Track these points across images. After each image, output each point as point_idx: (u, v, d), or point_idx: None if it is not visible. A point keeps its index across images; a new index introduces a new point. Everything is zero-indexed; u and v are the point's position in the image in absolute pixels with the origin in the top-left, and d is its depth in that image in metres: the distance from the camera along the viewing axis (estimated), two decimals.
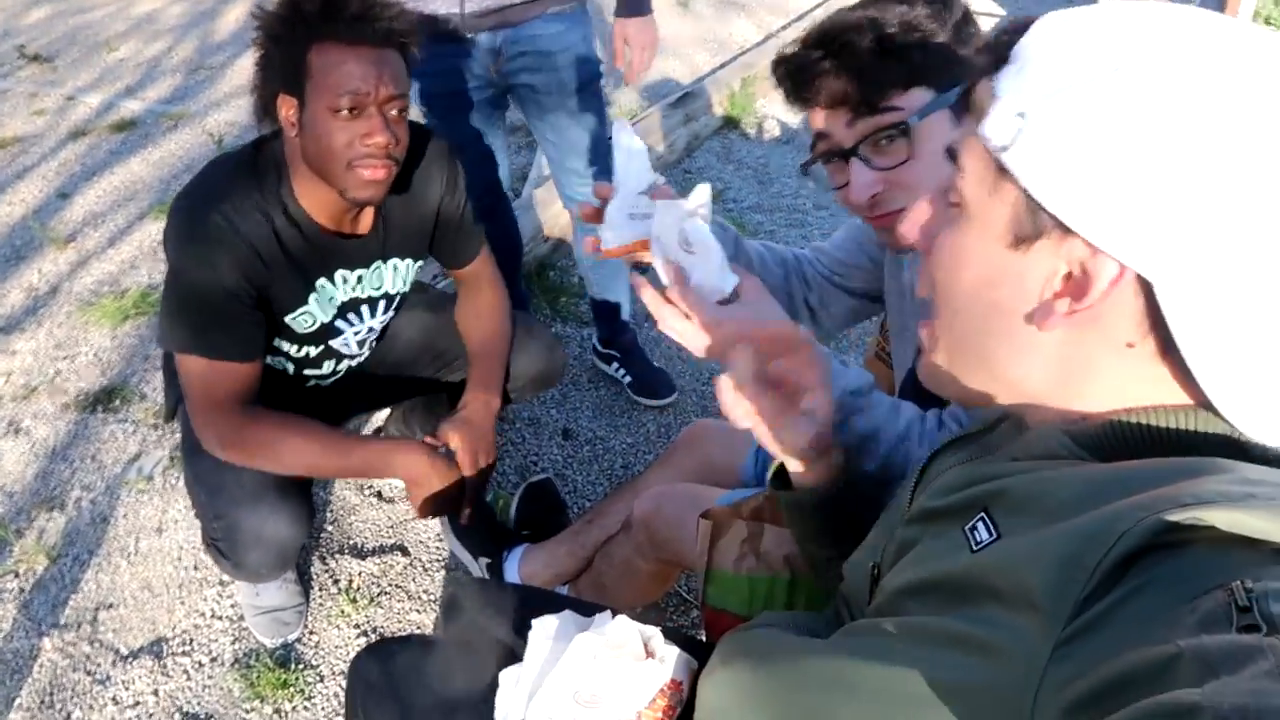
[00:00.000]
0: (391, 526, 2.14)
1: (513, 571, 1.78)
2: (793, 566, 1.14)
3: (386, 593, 1.97)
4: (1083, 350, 0.61)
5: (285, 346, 1.62)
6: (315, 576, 2.01)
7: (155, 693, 1.78)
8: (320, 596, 1.97)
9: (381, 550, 2.08)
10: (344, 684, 1.78)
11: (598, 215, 1.15)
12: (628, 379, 2.53)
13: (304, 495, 1.60)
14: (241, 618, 1.91)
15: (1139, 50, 0.56)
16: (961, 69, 1.03)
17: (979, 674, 0.54)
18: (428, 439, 1.60)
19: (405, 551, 2.07)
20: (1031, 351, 0.63)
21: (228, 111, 4.44)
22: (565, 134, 2.08)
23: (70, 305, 2.99)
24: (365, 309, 1.67)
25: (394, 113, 1.39)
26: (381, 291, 1.68)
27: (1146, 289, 0.56)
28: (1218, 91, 0.54)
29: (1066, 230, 0.57)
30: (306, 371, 1.70)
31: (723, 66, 4.63)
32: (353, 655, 1.83)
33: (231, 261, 1.41)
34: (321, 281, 1.56)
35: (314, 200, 1.48)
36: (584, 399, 2.53)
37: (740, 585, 1.17)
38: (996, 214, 0.61)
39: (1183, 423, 0.59)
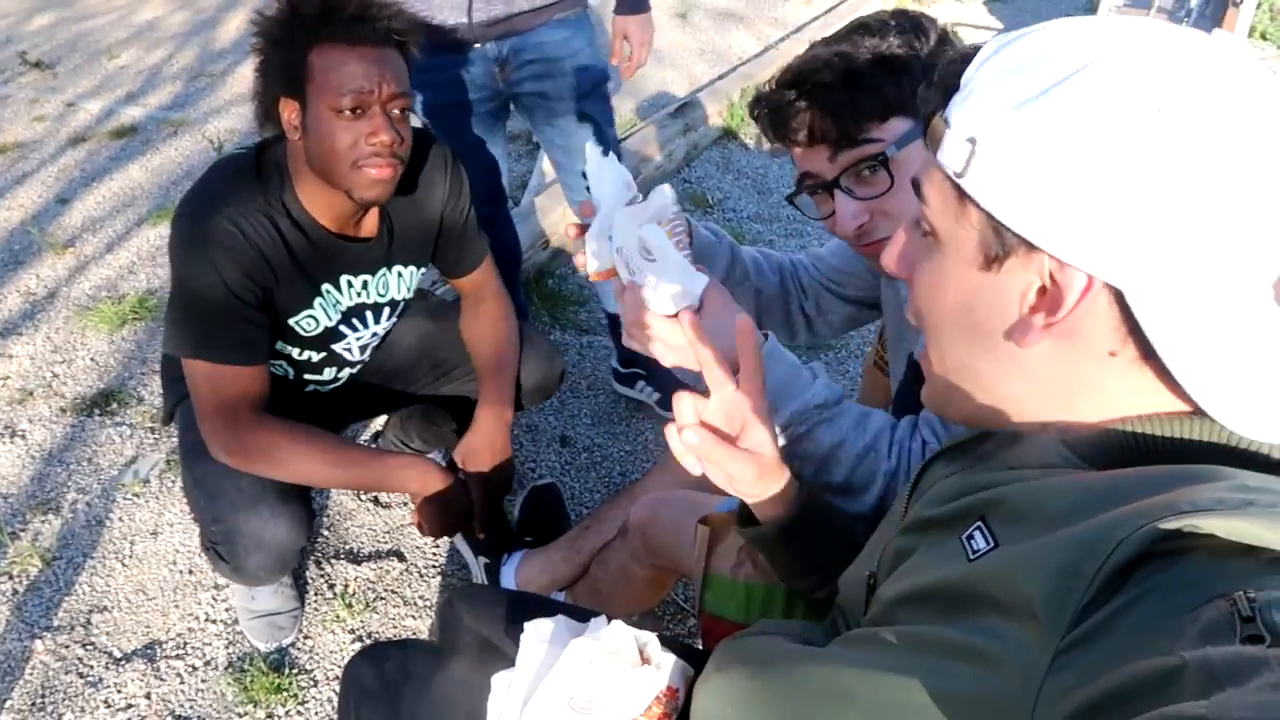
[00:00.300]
0: (388, 532, 2.13)
1: (509, 577, 1.78)
2: None
3: (382, 598, 1.97)
4: (1068, 363, 0.61)
5: (287, 350, 1.61)
6: (311, 581, 2.00)
7: (148, 696, 1.77)
8: (315, 601, 1.96)
9: (377, 555, 2.07)
10: (338, 689, 1.78)
11: (584, 233, 1.15)
12: (656, 396, 2.46)
13: (304, 499, 1.60)
14: (236, 622, 1.90)
15: (1081, 63, 0.56)
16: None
17: (977, 683, 0.54)
18: (455, 456, 1.61)
19: (401, 557, 2.06)
20: (1018, 369, 0.63)
21: (228, 118, 4.45)
22: (573, 139, 2.08)
23: (68, 310, 2.99)
24: (370, 315, 1.67)
25: (397, 111, 1.39)
26: (388, 298, 1.68)
27: (1119, 297, 0.57)
28: (1163, 95, 0.54)
29: (1032, 247, 0.58)
30: (306, 376, 1.70)
31: (721, 77, 4.65)
32: (346, 660, 1.83)
33: (237, 265, 1.41)
34: (326, 286, 1.56)
35: (318, 203, 1.48)
36: (582, 406, 2.53)
37: (738, 592, 1.17)
38: (965, 238, 0.63)
39: (1178, 430, 0.59)
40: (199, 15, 6.06)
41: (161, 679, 1.80)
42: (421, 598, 1.97)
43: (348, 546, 2.09)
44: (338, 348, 1.67)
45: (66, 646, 1.87)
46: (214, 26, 5.81)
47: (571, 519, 2.08)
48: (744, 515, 1.00)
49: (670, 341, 1.00)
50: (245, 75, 4.77)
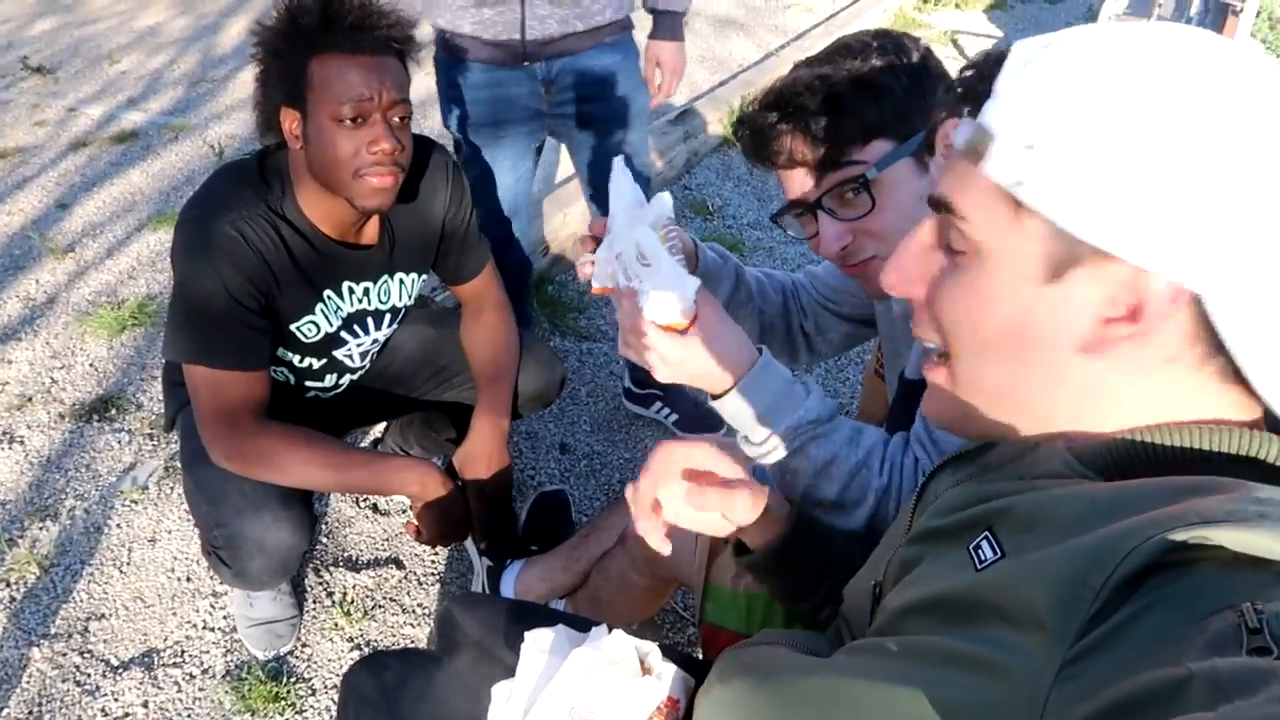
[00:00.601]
0: (387, 539, 2.13)
1: (509, 584, 1.77)
2: None
3: (381, 606, 1.96)
4: (1129, 372, 0.60)
5: (288, 356, 1.61)
6: (309, 589, 2.00)
7: (145, 704, 1.77)
8: (314, 609, 1.95)
9: (376, 563, 2.06)
10: (336, 697, 1.77)
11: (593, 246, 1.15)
12: (673, 418, 2.43)
13: (306, 503, 1.59)
14: (234, 629, 1.89)
15: (1148, 66, 0.55)
16: (920, 116, 1.05)
17: (983, 693, 0.53)
18: (454, 462, 1.61)
19: (400, 565, 2.06)
20: (1070, 380, 0.61)
21: (229, 124, 4.45)
22: (608, 164, 2.05)
23: (68, 315, 2.99)
24: (371, 321, 1.67)
25: (398, 119, 1.39)
26: (389, 305, 1.68)
27: (1194, 302, 0.55)
28: (1237, 97, 0.54)
29: (1105, 255, 0.56)
30: (307, 383, 1.70)
31: (722, 84, 4.65)
32: (345, 668, 1.82)
33: (239, 271, 1.41)
34: (328, 292, 1.56)
35: (320, 211, 1.48)
36: (581, 413, 2.53)
37: (738, 602, 1.16)
38: (1022, 251, 0.59)
39: (1190, 440, 0.59)
40: (201, 20, 6.07)
41: (159, 687, 1.80)
42: (420, 605, 1.96)
43: (346, 554, 2.08)
44: (338, 354, 1.67)
45: (64, 654, 1.86)
46: (215, 32, 5.82)
47: (575, 525, 2.07)
48: (739, 543, 0.99)
49: (666, 355, 0.99)
50: (247, 81, 4.78)
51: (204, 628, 1.92)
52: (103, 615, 1.94)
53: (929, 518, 0.73)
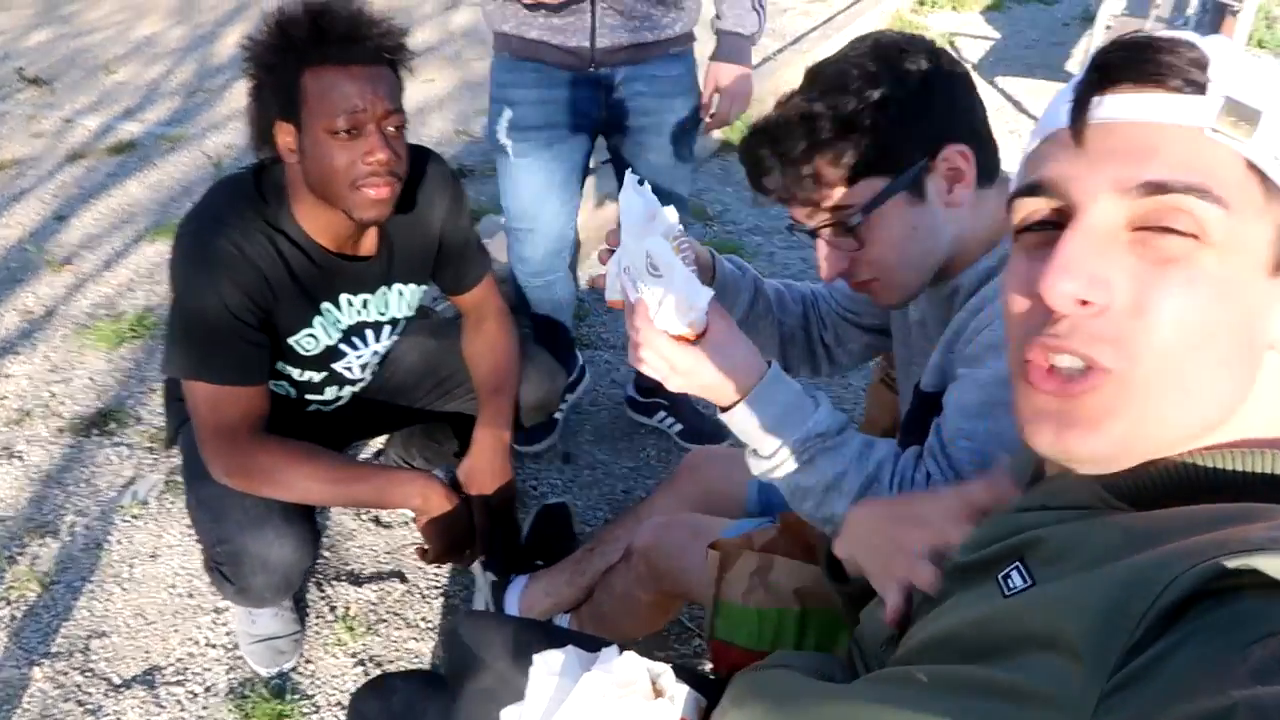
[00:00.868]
0: (389, 552, 2.11)
1: (513, 599, 1.75)
2: (803, 599, 1.12)
3: (384, 620, 1.94)
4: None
5: (288, 370, 1.60)
6: (312, 604, 1.98)
7: None
8: (317, 624, 1.94)
9: (379, 577, 2.05)
10: (340, 715, 1.76)
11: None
12: (677, 428, 2.41)
13: (309, 519, 1.58)
14: (236, 646, 1.88)
15: None
16: (913, 144, 1.03)
17: None
18: (456, 473, 1.59)
19: (403, 578, 2.04)
20: (1252, 379, 0.58)
21: (226, 134, 4.43)
22: (661, 175, 2.01)
23: (66, 328, 2.97)
24: (370, 333, 1.66)
25: (392, 129, 1.39)
26: (388, 316, 1.66)
27: None
28: None
29: None
30: (308, 396, 1.69)
31: None
32: (349, 685, 1.81)
33: (238, 286, 1.40)
34: (327, 305, 1.55)
35: (317, 223, 1.47)
36: (583, 423, 2.51)
37: (749, 618, 1.15)
38: (1256, 238, 0.56)
39: (1225, 463, 0.58)
40: (197, 30, 6.06)
41: (161, 706, 1.78)
42: (424, 620, 1.94)
43: (349, 568, 2.07)
44: (338, 367, 1.66)
45: (65, 673, 1.84)
46: (211, 42, 5.81)
47: (577, 537, 2.06)
48: (835, 570, 0.96)
49: (676, 364, 0.98)
50: (243, 91, 4.76)
51: (206, 644, 1.90)
52: (104, 633, 1.93)
53: (959, 554, 0.72)
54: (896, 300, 1.15)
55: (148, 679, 1.83)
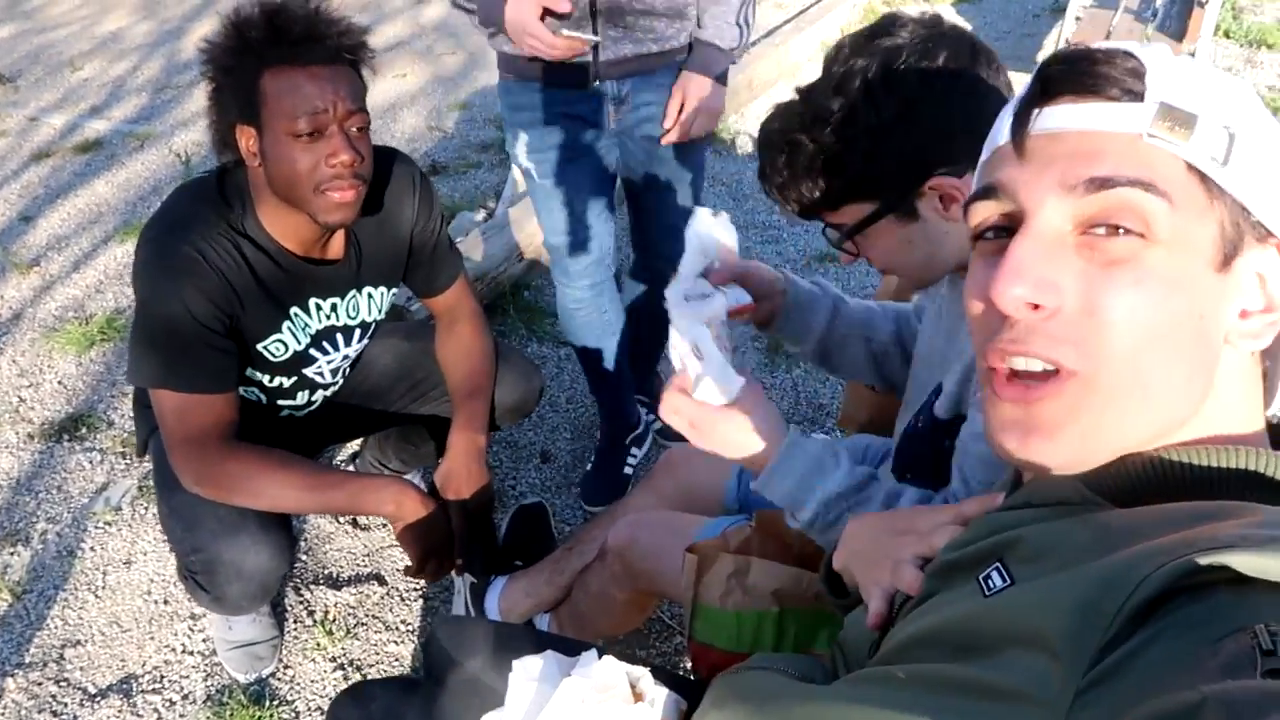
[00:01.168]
0: (368, 555, 2.10)
1: (493, 600, 1.75)
2: (781, 600, 1.12)
3: (364, 624, 1.93)
4: (1253, 366, 0.62)
5: (258, 376, 1.58)
6: (290, 608, 1.97)
7: None
8: (295, 629, 1.92)
9: (358, 580, 2.04)
10: None
11: None
12: (657, 425, 2.42)
13: (284, 525, 1.57)
14: (214, 653, 1.86)
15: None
16: (896, 181, 1.05)
17: None
18: (434, 478, 1.59)
19: (382, 581, 2.03)
20: (1211, 375, 0.60)
21: (194, 131, 4.38)
22: (672, 186, 1.97)
23: (34, 331, 2.93)
24: (340, 337, 1.64)
25: (355, 130, 1.37)
26: (358, 320, 1.65)
27: None
28: None
29: (1265, 236, 0.59)
30: (280, 402, 1.67)
31: None
32: (329, 689, 1.80)
33: (202, 292, 1.38)
34: (295, 310, 1.54)
35: (282, 227, 1.45)
36: (562, 421, 2.51)
37: (728, 621, 1.15)
38: (1201, 236, 0.58)
39: (1199, 459, 0.59)
40: (163, 26, 5.98)
41: (138, 714, 1.76)
42: (404, 623, 1.94)
43: (327, 571, 2.06)
44: (309, 372, 1.64)
45: (39, 684, 1.82)
46: (178, 38, 5.73)
47: (555, 536, 2.05)
48: (835, 584, 0.97)
49: (698, 424, 1.05)
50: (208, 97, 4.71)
51: (183, 651, 1.88)
52: (78, 641, 1.91)
53: (944, 552, 0.72)
54: (917, 287, 1.23)
55: (124, 687, 1.81)
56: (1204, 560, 0.47)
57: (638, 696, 0.94)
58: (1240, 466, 0.58)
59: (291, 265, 1.49)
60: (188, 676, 1.84)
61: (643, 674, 0.96)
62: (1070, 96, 0.61)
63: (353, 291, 1.61)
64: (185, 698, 1.80)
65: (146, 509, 2.21)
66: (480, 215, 3.45)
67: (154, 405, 1.45)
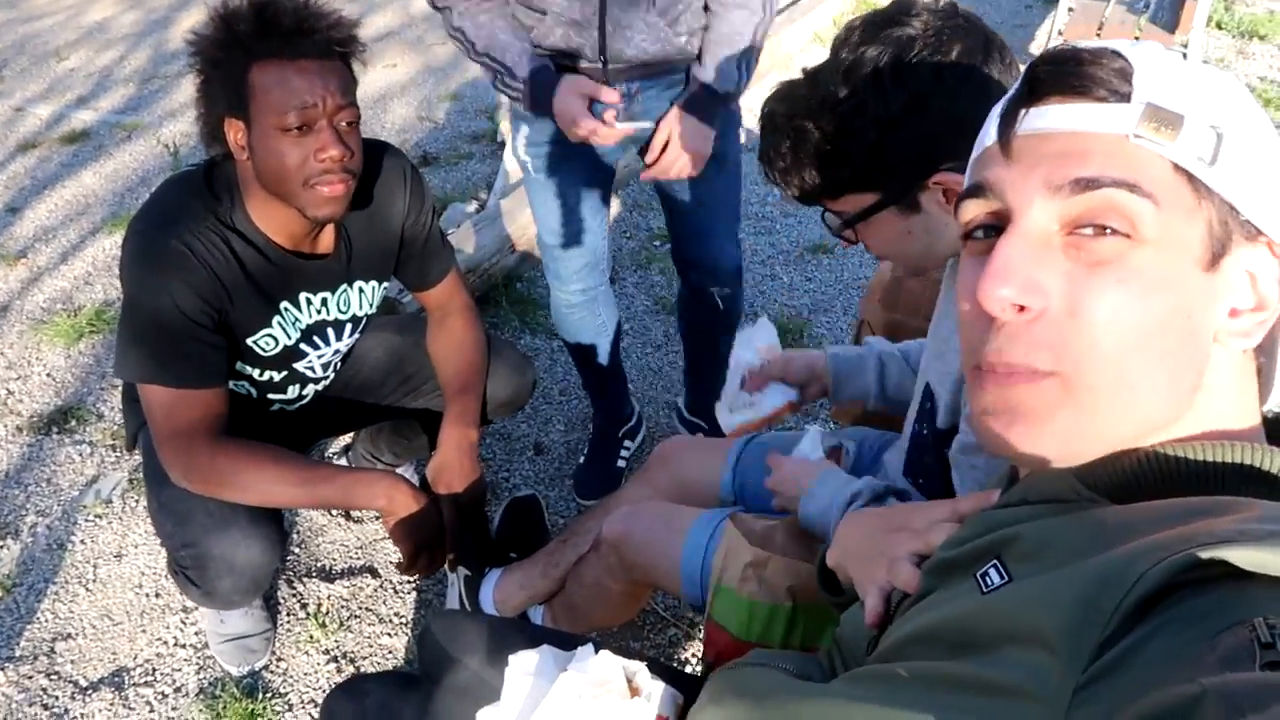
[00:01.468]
0: (360, 547, 2.09)
1: (487, 593, 1.75)
2: (795, 596, 1.13)
3: (357, 616, 1.93)
4: (1245, 364, 0.62)
5: (248, 370, 1.57)
6: (283, 601, 1.96)
7: None
8: (288, 621, 1.92)
9: (350, 572, 2.03)
10: (313, 713, 1.74)
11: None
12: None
13: (276, 519, 1.56)
14: (206, 646, 1.86)
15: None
16: (903, 160, 1.02)
17: (996, 717, 0.53)
18: (425, 472, 1.59)
19: (375, 573, 2.03)
20: (1200, 373, 0.60)
21: (182, 122, 4.35)
22: (695, 190, 1.90)
23: (22, 324, 2.91)
24: (331, 332, 1.63)
25: (345, 124, 1.35)
26: (349, 315, 1.64)
27: None
28: None
29: (1255, 234, 0.59)
30: (270, 396, 1.66)
31: None
32: (322, 682, 1.80)
33: (190, 287, 1.37)
34: (285, 304, 1.53)
35: (271, 222, 1.44)
36: (555, 413, 2.50)
37: (741, 607, 1.16)
38: (1188, 236, 0.58)
39: (1194, 455, 0.59)
40: (150, 15, 5.93)
41: (130, 708, 1.75)
42: (397, 615, 1.93)
43: (319, 564, 2.05)
44: (299, 366, 1.64)
45: (30, 677, 1.81)
46: (166, 27, 5.69)
47: (549, 529, 2.05)
48: (829, 582, 0.99)
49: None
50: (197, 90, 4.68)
51: (175, 644, 1.88)
52: (69, 635, 1.90)
53: (941, 549, 0.73)
54: (913, 274, 1.24)
55: (116, 680, 1.81)
56: (1203, 555, 0.47)
57: (634, 691, 0.94)
58: (1236, 461, 0.58)
59: (281, 260, 1.48)
60: (180, 669, 1.83)
61: (639, 668, 0.96)
62: (1057, 97, 0.61)
63: (343, 286, 1.60)
64: (177, 690, 1.79)
65: (137, 502, 2.20)
66: (472, 207, 3.44)
67: (142, 400, 1.43)
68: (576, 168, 1.89)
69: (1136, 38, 3.83)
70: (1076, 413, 0.59)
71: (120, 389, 1.83)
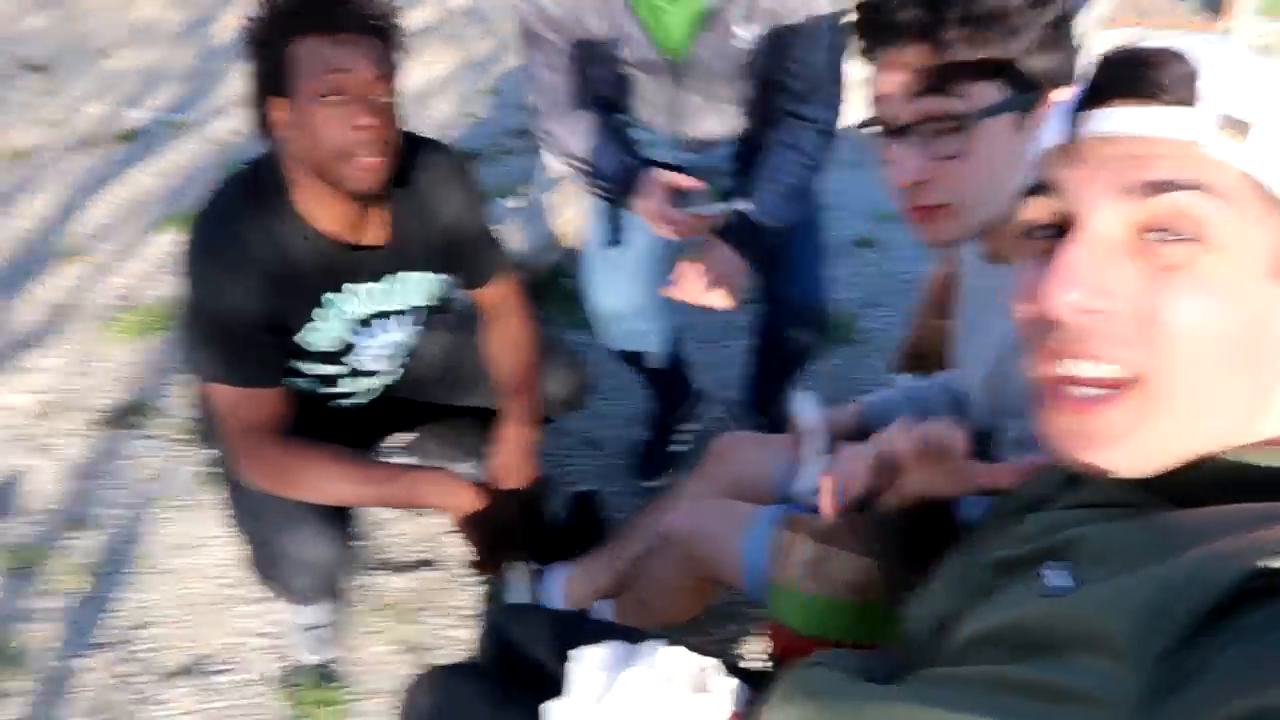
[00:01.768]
0: (426, 541, 2.16)
1: (553, 588, 1.80)
2: (856, 592, 1.16)
3: (423, 608, 1.99)
4: None
5: (302, 366, 1.62)
6: (353, 593, 2.03)
7: (197, 712, 1.80)
8: (360, 613, 1.99)
9: (417, 565, 2.10)
10: (384, 701, 1.81)
11: None
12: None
13: (346, 517, 1.61)
14: (281, 635, 1.93)
15: None
16: (1039, 73, 0.98)
17: None
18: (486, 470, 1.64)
19: (441, 566, 2.09)
20: (1272, 381, 0.60)
21: (230, 118, 4.42)
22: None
23: (87, 321, 2.99)
24: (383, 323, 1.66)
25: (381, 98, 1.38)
26: (398, 305, 1.66)
27: None
28: None
29: None
30: (329, 390, 1.70)
31: None
32: (392, 671, 1.86)
33: (247, 287, 1.42)
34: (330, 295, 1.55)
35: (319, 208, 1.47)
36: (609, 409, 2.54)
37: (801, 603, 1.19)
38: (1258, 242, 0.58)
39: (1264, 460, 0.59)
40: (195, 14, 6.00)
41: (210, 694, 1.83)
42: (463, 607, 2.00)
43: (388, 557, 2.12)
44: (351, 359, 1.67)
45: (114, 664, 1.89)
46: (210, 24, 5.76)
47: (609, 523, 2.10)
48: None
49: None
50: (245, 75, 4.73)
51: (251, 633, 1.95)
52: (149, 623, 1.98)
53: (1000, 549, 0.73)
54: (953, 236, 1.08)
55: (196, 667, 1.89)
56: (1276, 563, 0.48)
57: (703, 687, 0.94)
58: None
59: (330, 251, 1.50)
60: (257, 657, 1.90)
61: (709, 664, 0.96)
62: (1122, 100, 0.60)
63: (391, 276, 1.62)
64: (256, 678, 1.87)
65: (208, 494, 2.27)
66: (514, 203, 3.48)
67: (210, 398, 1.49)
68: (641, 237, 1.92)
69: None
70: (1155, 426, 0.59)
71: (186, 382, 1.88)
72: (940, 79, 0.98)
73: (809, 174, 1.76)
